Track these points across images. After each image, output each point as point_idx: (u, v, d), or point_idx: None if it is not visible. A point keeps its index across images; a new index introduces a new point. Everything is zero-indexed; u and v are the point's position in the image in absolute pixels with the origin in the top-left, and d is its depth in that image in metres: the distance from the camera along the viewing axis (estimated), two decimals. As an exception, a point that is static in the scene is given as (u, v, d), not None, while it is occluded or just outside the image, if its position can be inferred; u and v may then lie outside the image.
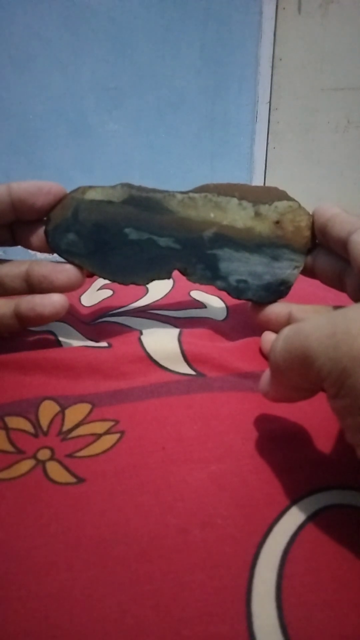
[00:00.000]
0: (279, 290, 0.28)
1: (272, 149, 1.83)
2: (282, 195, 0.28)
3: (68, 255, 0.27)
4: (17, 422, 0.22)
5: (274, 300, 0.28)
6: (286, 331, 0.18)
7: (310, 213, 0.28)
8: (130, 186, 0.27)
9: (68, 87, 1.62)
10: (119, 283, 0.28)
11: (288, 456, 0.20)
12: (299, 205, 0.28)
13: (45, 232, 0.27)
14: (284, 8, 1.64)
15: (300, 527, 0.17)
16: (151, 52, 1.62)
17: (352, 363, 0.15)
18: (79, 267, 0.27)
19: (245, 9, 1.60)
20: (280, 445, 0.21)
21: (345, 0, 1.63)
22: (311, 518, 0.17)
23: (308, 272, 0.29)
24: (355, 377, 0.14)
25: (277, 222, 0.28)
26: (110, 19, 1.56)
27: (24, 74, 1.58)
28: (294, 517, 0.17)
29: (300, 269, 0.28)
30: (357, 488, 0.19)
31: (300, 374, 0.17)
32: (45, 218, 0.27)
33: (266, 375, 0.20)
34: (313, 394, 0.18)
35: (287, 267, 0.28)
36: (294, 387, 0.18)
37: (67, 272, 0.26)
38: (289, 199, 0.28)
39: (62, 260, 0.27)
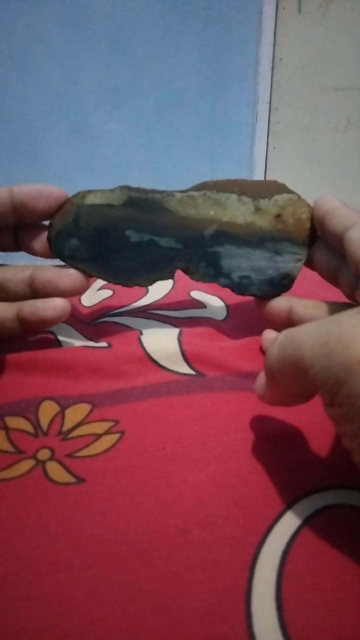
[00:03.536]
0: (282, 284, 0.28)
1: (272, 149, 1.83)
2: (282, 189, 0.28)
3: (71, 261, 0.27)
4: (17, 422, 0.22)
5: (278, 294, 0.28)
6: (280, 337, 0.18)
7: (311, 206, 0.28)
8: (129, 188, 0.27)
9: (68, 87, 1.62)
10: (123, 285, 0.28)
11: (288, 456, 0.20)
12: (299, 197, 0.28)
13: (48, 238, 0.27)
14: (284, 8, 1.64)
15: (300, 527, 0.17)
16: (151, 52, 1.62)
17: (345, 372, 0.14)
18: (82, 271, 0.27)
19: (245, 9, 1.60)
20: (280, 445, 0.21)
21: (345, 0, 1.63)
22: (311, 518, 0.17)
23: (308, 263, 0.29)
24: (349, 386, 0.14)
25: (278, 216, 0.28)
26: (110, 19, 1.56)
27: (24, 74, 1.58)
28: (294, 517, 0.17)
29: (303, 261, 0.28)
30: (357, 488, 0.19)
31: (295, 381, 0.17)
32: (48, 224, 0.27)
33: (261, 378, 0.20)
34: (309, 399, 0.18)
35: (290, 261, 0.28)
36: (289, 393, 0.18)
37: (71, 276, 0.26)
38: (288, 191, 0.28)
39: (65, 265, 0.27)
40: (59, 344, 0.28)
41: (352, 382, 0.14)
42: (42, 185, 0.26)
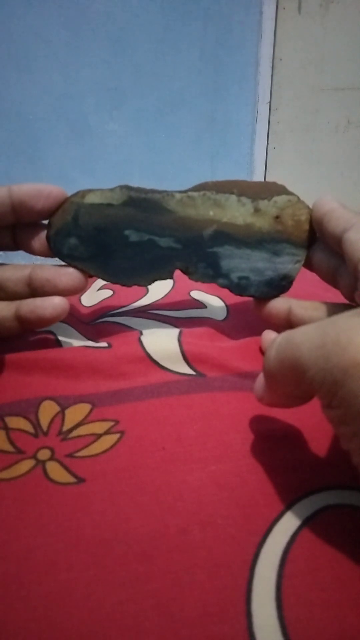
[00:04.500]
0: (280, 285, 0.28)
1: (272, 149, 1.83)
2: (281, 190, 0.28)
3: (70, 260, 0.27)
4: (17, 422, 0.22)
5: (277, 295, 0.29)
6: (278, 340, 0.18)
7: (310, 207, 0.28)
8: (129, 188, 0.27)
9: (68, 87, 1.62)
10: (122, 285, 0.28)
11: (288, 456, 0.20)
12: (298, 199, 0.28)
13: (47, 237, 0.27)
14: (284, 8, 1.64)
15: (300, 527, 0.17)
16: (151, 52, 1.61)
17: (342, 374, 0.14)
18: (81, 270, 0.27)
19: (245, 9, 1.60)
20: (280, 445, 0.21)
21: (345, 0, 1.63)
22: (311, 518, 0.17)
23: (307, 264, 0.29)
24: (346, 388, 0.14)
25: (277, 217, 0.28)
26: (110, 19, 1.56)
27: (24, 74, 1.58)
28: (294, 517, 0.17)
29: (302, 263, 0.28)
30: (357, 488, 0.19)
31: (294, 383, 0.17)
32: (47, 223, 0.27)
33: (260, 380, 0.20)
34: (307, 401, 0.18)
35: (289, 262, 0.28)
36: (288, 394, 0.18)
37: (70, 275, 0.26)
38: (288, 193, 0.28)
39: (64, 264, 0.27)
40: (59, 344, 0.28)
41: (349, 384, 0.14)
42: (41, 185, 0.26)
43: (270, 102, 1.75)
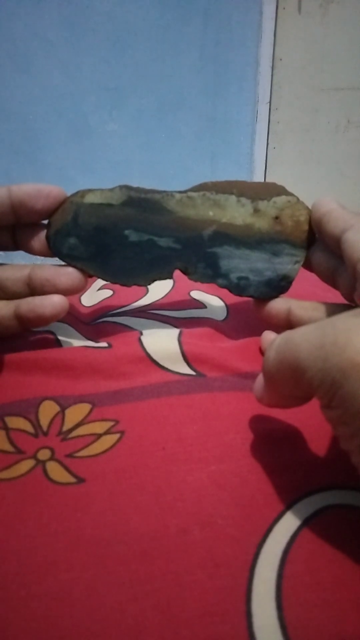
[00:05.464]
0: (280, 285, 0.28)
1: (272, 149, 1.83)
2: (281, 191, 0.28)
3: (70, 260, 0.27)
4: (17, 422, 0.22)
5: (276, 296, 0.29)
6: (278, 340, 0.18)
7: (310, 208, 0.28)
8: (128, 188, 0.27)
9: (68, 87, 1.62)
10: (121, 285, 0.28)
11: (288, 456, 0.20)
12: (298, 199, 0.28)
13: (47, 237, 0.27)
14: (284, 8, 1.64)
15: (300, 527, 0.17)
16: (151, 52, 1.61)
17: (341, 375, 0.14)
18: (81, 270, 0.27)
19: (245, 9, 1.60)
20: (280, 445, 0.21)
21: (345, 0, 1.63)
22: (311, 518, 0.17)
23: (306, 265, 0.29)
24: (345, 389, 0.14)
25: (276, 218, 0.28)
26: (110, 19, 1.56)
27: (24, 74, 1.58)
28: (294, 517, 0.17)
29: (301, 263, 0.28)
30: (357, 488, 0.19)
31: (293, 384, 0.17)
32: (46, 222, 0.27)
33: (260, 380, 0.20)
34: (306, 401, 0.18)
35: (288, 262, 0.28)
36: (287, 395, 0.18)
37: (69, 275, 0.26)
38: (287, 194, 0.28)
39: (63, 263, 0.27)
40: (59, 343, 0.28)
41: (348, 384, 0.14)
42: (41, 185, 0.26)
43: (270, 102, 1.75)
